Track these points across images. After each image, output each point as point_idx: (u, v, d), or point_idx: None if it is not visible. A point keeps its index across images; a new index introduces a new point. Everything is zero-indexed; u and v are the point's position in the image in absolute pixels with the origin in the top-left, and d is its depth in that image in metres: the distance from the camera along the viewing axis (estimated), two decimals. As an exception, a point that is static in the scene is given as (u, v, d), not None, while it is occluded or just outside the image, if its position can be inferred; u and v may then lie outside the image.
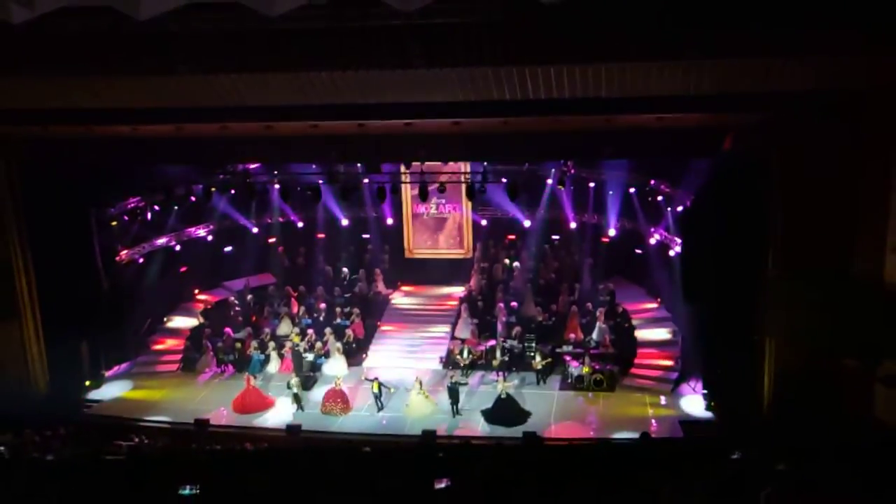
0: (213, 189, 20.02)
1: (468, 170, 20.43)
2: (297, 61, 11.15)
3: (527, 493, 7.35)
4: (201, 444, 15.61)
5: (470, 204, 22.18)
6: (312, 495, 7.59)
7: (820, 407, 13.31)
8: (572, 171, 19.94)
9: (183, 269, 23.03)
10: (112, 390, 19.28)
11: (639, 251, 21.39)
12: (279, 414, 17.54)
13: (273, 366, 19.83)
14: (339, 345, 19.83)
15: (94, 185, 18.36)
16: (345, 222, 23.26)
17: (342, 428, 16.78)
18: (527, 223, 22.15)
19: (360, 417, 17.28)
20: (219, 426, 16.72)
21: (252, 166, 20.70)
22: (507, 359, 19.09)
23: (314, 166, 19.93)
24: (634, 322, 20.47)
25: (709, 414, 16.67)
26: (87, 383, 19.10)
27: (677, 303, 18.60)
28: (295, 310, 22.03)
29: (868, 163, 12.74)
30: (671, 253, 19.06)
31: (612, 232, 21.11)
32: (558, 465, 8.78)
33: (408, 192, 21.72)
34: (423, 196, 18.60)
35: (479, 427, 16.62)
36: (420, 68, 10.90)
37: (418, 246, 23.63)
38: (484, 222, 23.15)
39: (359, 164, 19.45)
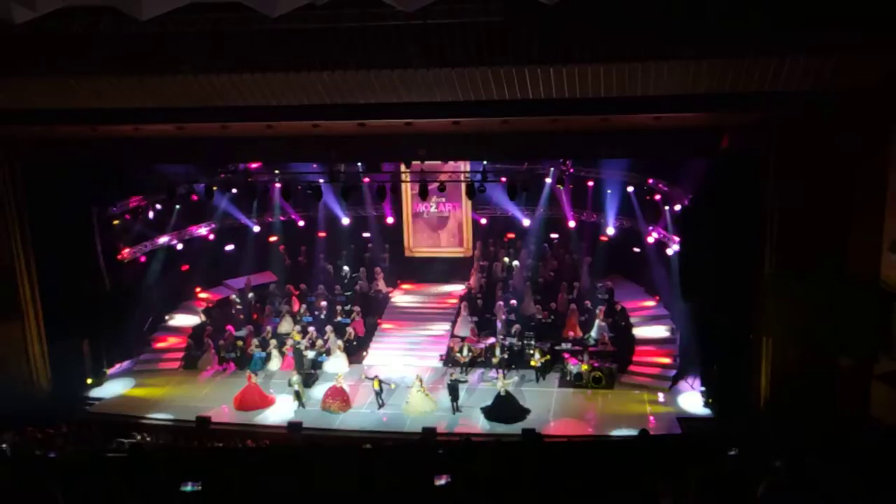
0: (215, 188, 20.06)
1: (468, 169, 20.51)
2: (297, 61, 11.24)
3: (526, 490, 7.41)
4: (203, 441, 15.70)
5: (470, 203, 22.28)
6: (313, 492, 7.65)
7: (816, 404, 13.40)
8: (571, 171, 20.04)
9: (184, 267, 23.06)
10: (114, 388, 19.34)
11: (637, 249, 21.47)
12: (280, 411, 17.61)
13: (274, 363, 19.92)
14: (339, 343, 19.90)
15: (96, 184, 18.40)
16: (345, 221, 23.32)
17: (343, 425, 16.85)
18: (526, 222, 22.25)
19: (361, 415, 17.36)
20: (220, 423, 16.77)
21: (253, 165, 20.79)
22: (506, 356, 19.16)
23: (315, 165, 20.02)
24: (633, 320, 20.52)
25: (706, 411, 16.74)
26: (89, 381, 19.14)
27: (675, 301, 18.65)
28: (296, 308, 22.11)
29: (864, 162, 12.80)
30: (669, 251, 19.14)
31: (610, 230, 21.22)
32: (557, 462, 8.84)
33: (408, 190, 21.82)
34: (424, 195, 18.69)
35: (478, 424, 16.70)
36: (420, 68, 10.98)
37: (418, 244, 23.70)
38: (483, 221, 23.24)
39: (359, 164, 19.52)
